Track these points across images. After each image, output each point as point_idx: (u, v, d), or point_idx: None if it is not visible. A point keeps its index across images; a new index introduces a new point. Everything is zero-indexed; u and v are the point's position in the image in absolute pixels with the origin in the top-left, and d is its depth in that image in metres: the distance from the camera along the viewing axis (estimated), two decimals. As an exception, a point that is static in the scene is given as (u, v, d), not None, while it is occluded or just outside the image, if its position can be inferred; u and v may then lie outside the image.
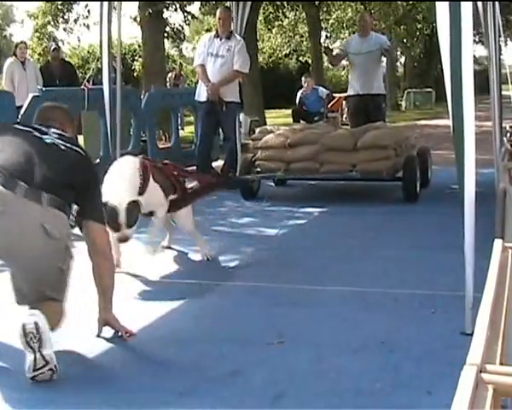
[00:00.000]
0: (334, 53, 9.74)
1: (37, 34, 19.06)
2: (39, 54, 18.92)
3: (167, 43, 21.12)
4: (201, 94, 8.14)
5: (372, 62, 8.86)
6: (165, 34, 18.23)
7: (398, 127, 8.46)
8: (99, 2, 7.33)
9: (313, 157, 7.51)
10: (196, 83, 10.06)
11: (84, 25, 19.23)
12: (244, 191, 7.87)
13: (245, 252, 5.60)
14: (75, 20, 18.86)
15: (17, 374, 3.23)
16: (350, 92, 9.21)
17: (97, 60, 13.56)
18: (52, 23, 18.60)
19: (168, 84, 19.05)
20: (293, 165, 7.62)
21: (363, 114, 8.71)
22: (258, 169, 7.84)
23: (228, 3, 9.19)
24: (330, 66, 21.41)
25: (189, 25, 20.93)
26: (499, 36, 5.49)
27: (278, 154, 7.67)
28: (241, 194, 7.85)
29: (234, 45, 7.98)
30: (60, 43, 19.65)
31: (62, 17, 18.70)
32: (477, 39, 23.56)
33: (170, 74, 20.36)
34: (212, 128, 8.25)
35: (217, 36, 8.06)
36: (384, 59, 10.62)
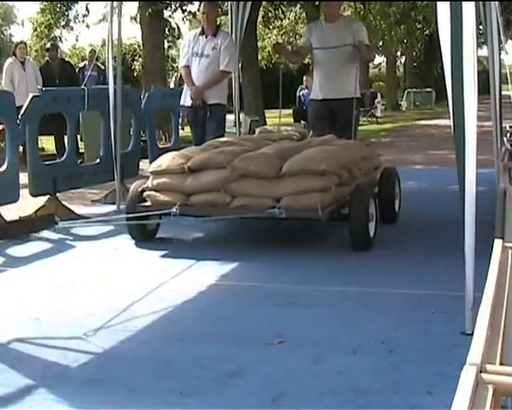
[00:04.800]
0: (290, 48, 8.20)
1: (36, 33, 19.01)
2: (36, 51, 18.91)
3: (167, 44, 21.07)
4: (186, 98, 7.25)
5: (342, 59, 6.96)
6: (165, 34, 18.19)
7: (356, 142, 6.80)
8: (104, 3, 7.38)
9: (221, 187, 5.48)
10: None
11: (83, 22, 19.21)
12: (134, 230, 5.82)
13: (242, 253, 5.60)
14: (75, 18, 18.80)
15: (15, 374, 3.23)
16: (312, 96, 7.48)
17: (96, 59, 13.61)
18: (53, 22, 18.53)
19: (173, 83, 19.11)
20: (195, 197, 5.55)
21: (327, 123, 6.99)
22: (148, 203, 5.68)
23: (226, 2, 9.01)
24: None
25: (190, 21, 20.87)
26: (499, 36, 5.49)
27: (175, 181, 5.61)
28: (130, 234, 5.85)
29: (220, 43, 7.10)
30: (59, 42, 19.64)
31: (64, 15, 18.62)
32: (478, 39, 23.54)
33: (176, 74, 20.45)
34: (202, 136, 7.17)
35: (202, 33, 7.19)
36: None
